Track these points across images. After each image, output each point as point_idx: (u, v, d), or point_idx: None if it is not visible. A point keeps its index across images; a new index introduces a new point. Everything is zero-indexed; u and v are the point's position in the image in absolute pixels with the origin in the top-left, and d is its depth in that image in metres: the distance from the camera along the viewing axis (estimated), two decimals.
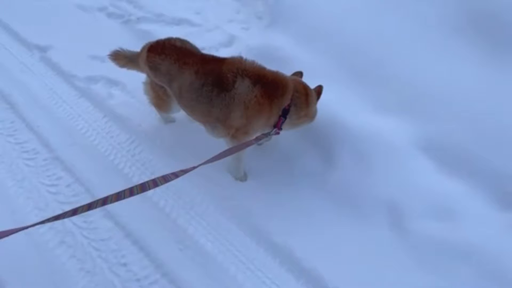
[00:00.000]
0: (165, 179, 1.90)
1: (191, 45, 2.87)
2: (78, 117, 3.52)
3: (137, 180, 2.96)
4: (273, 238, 2.48)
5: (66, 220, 2.75)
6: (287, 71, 3.46)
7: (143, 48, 2.89)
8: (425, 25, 3.18)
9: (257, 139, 2.50)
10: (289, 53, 3.48)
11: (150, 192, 2.82)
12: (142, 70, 2.99)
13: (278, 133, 2.65)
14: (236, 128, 2.60)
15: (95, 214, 2.77)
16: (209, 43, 3.94)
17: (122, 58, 3.08)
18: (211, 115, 2.65)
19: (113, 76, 3.83)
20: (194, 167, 2.03)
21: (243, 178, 2.87)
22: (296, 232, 2.48)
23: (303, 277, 2.33)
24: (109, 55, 3.10)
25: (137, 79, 3.71)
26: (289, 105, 2.56)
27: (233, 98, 2.49)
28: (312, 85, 3.31)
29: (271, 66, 3.51)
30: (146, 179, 2.90)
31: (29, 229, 1.75)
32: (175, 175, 1.93)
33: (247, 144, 2.41)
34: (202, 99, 2.59)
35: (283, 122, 2.59)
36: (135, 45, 4.07)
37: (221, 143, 2.81)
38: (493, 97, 2.61)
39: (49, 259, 2.54)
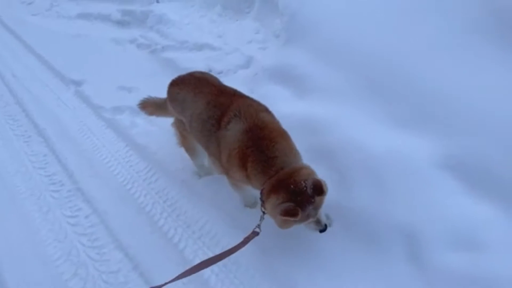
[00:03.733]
0: None
1: (211, 76, 2.80)
2: (102, 148, 3.64)
3: (149, 210, 2.95)
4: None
5: (81, 252, 2.81)
6: (304, 90, 3.34)
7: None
8: (446, 30, 2.89)
9: (245, 241, 2.14)
10: (304, 71, 3.34)
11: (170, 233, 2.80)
12: (170, 112, 2.92)
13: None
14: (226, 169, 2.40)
15: (108, 245, 2.79)
16: (228, 66, 3.94)
17: (149, 105, 3.11)
18: (210, 150, 2.54)
19: None
20: (166, 283, 1.92)
21: (252, 205, 2.71)
22: (300, 265, 2.29)
23: None
24: (138, 104, 3.16)
25: None
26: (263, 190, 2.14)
27: (223, 139, 2.30)
28: (332, 108, 3.12)
29: (287, 84, 3.43)
30: (158, 211, 2.93)
31: None
32: None
33: (230, 252, 2.08)
34: (205, 132, 2.47)
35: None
36: (160, 73, 4.21)
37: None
38: None
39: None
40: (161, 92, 3.96)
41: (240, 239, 2.59)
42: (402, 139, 2.58)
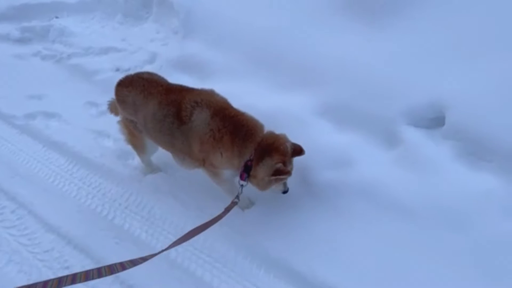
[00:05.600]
0: (133, 262, 1.82)
1: (159, 77, 2.84)
2: (19, 152, 3.73)
3: (75, 195, 3.17)
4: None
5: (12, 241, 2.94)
6: (205, 74, 3.82)
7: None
8: (314, 10, 3.56)
9: (226, 210, 2.29)
10: (203, 58, 3.83)
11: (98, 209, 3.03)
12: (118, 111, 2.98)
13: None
14: (202, 159, 2.50)
15: (38, 231, 2.96)
16: (135, 63, 4.27)
17: (114, 108, 3.12)
18: (175, 147, 2.59)
19: (50, 110, 4.09)
20: (162, 250, 2.01)
21: (248, 205, 2.74)
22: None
23: None
24: (107, 108, 3.23)
25: (71, 107, 4.01)
26: (251, 161, 2.31)
27: (190, 131, 2.40)
28: (230, 84, 3.63)
29: (190, 71, 3.88)
30: (84, 194, 3.17)
31: None
32: (143, 259, 1.88)
33: (214, 221, 2.18)
34: (164, 131, 2.54)
35: (246, 177, 2.37)
36: (69, 79, 4.40)
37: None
38: (369, 59, 2.98)
39: None
40: (73, 96, 4.22)
41: (164, 203, 3.00)
42: (286, 99, 3.16)
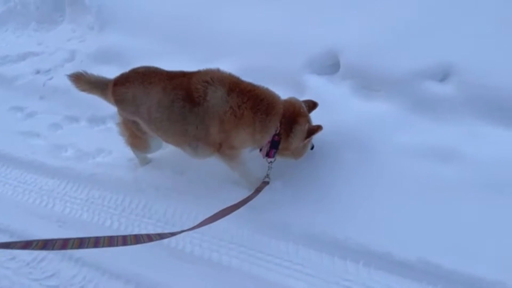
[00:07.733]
0: (161, 236, 1.85)
1: (156, 68, 2.61)
2: None
3: (11, 194, 3.20)
4: None
5: None
6: (126, 61, 3.92)
7: (110, 83, 2.62)
8: None
9: (257, 191, 2.27)
10: (122, 47, 3.96)
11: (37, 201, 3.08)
12: (110, 102, 2.70)
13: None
14: (219, 143, 2.39)
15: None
16: (55, 63, 4.30)
17: (84, 82, 2.68)
18: (188, 134, 2.39)
19: None
20: (191, 228, 1.96)
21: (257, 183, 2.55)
22: None
23: None
24: (69, 75, 2.68)
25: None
26: (279, 135, 2.31)
27: (207, 111, 2.26)
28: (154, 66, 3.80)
29: (111, 61, 3.99)
30: (20, 191, 3.20)
31: None
32: (172, 234, 1.90)
33: (244, 202, 2.13)
34: (174, 117, 2.36)
35: (274, 153, 2.37)
36: None
37: None
38: (268, 23, 3.32)
39: None
40: None
41: (101, 183, 3.11)
42: None
